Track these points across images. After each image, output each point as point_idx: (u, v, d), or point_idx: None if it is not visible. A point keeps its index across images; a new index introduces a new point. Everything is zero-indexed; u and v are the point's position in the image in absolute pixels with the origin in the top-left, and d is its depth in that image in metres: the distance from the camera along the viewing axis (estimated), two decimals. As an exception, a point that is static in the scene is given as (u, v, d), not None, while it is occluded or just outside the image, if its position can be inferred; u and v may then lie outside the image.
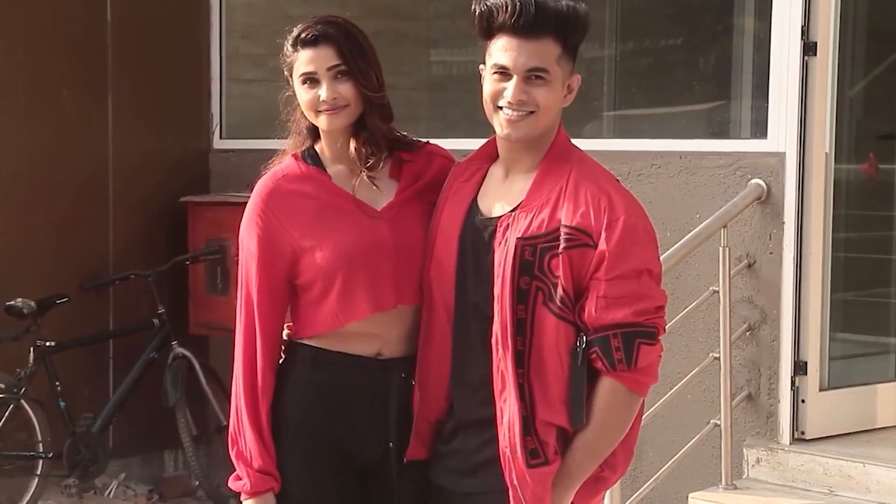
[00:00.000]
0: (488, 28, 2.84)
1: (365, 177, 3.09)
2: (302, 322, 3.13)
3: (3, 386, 6.14)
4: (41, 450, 6.26)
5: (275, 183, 3.12)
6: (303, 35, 3.07)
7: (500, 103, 2.84)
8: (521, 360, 2.81)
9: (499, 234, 2.87)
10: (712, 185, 5.14)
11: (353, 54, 3.08)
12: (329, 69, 3.05)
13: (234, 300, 3.20)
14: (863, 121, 5.61)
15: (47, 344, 6.26)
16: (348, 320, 3.05)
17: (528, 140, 2.90)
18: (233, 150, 7.17)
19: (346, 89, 3.05)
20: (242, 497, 3.08)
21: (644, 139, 5.62)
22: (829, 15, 5.01)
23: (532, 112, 2.83)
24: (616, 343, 2.74)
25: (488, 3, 2.82)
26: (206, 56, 7.31)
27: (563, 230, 2.79)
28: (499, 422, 2.83)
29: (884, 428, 5.23)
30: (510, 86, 2.82)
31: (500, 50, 2.83)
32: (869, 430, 5.18)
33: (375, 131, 3.11)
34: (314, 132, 3.17)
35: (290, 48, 3.10)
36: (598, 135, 6.15)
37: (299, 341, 3.13)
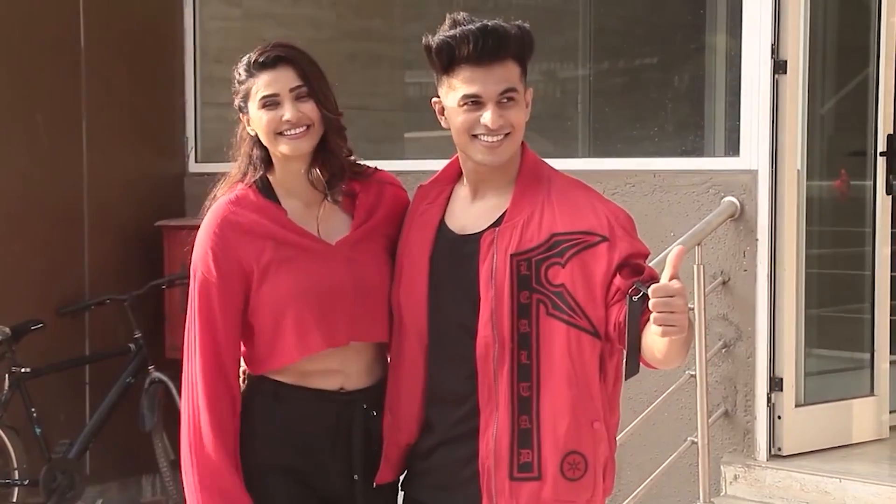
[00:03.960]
0: (448, 62, 2.85)
1: (329, 202, 3.08)
2: (259, 356, 3.09)
3: None
4: (17, 477, 6.27)
5: (229, 212, 3.05)
6: (260, 59, 3.04)
7: (476, 131, 2.86)
8: (528, 374, 2.82)
9: (482, 250, 2.87)
10: (686, 203, 5.17)
11: (313, 76, 3.07)
12: (291, 90, 3.03)
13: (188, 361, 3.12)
14: (834, 137, 5.63)
15: (22, 370, 6.26)
16: (301, 355, 3.03)
17: (504, 161, 2.93)
18: (208, 174, 7.03)
19: (310, 109, 3.03)
20: None
21: (618, 158, 5.64)
22: (799, 33, 5.04)
23: (508, 134, 2.87)
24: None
25: (446, 38, 2.82)
26: (180, 80, 7.33)
27: (563, 238, 2.82)
28: (481, 434, 2.84)
29: (860, 443, 5.27)
30: (487, 113, 2.84)
31: (467, 81, 2.84)
32: (845, 445, 5.22)
33: (338, 154, 3.10)
34: (267, 163, 3.12)
35: (243, 74, 3.07)
36: (572, 154, 6.16)
37: (259, 376, 3.10)
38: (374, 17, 7.20)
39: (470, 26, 2.83)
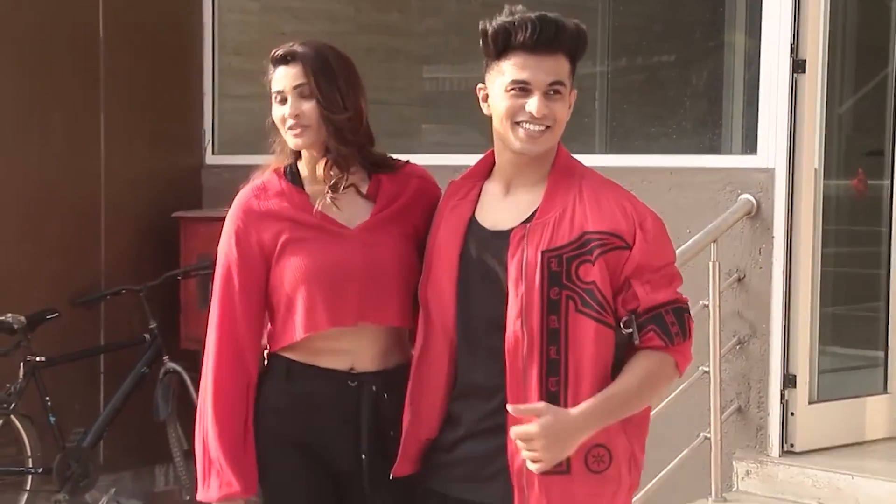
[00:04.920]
0: (503, 47, 2.89)
1: (328, 199, 3.15)
2: (274, 334, 3.20)
3: None
4: (31, 465, 6.30)
5: (254, 197, 3.19)
6: (278, 54, 3.16)
7: (519, 118, 2.89)
8: (556, 369, 2.86)
9: (512, 246, 2.91)
10: (703, 200, 5.19)
11: (318, 74, 3.13)
12: (294, 87, 3.13)
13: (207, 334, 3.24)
14: (852, 137, 5.66)
15: (38, 359, 6.28)
16: (307, 332, 3.11)
17: (541, 154, 2.97)
18: (225, 166, 7.17)
19: (309, 108, 3.12)
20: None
21: (635, 155, 5.68)
22: (819, 33, 5.06)
23: (549, 127, 2.90)
24: (670, 318, 2.86)
25: (503, 23, 2.88)
26: (197, 73, 7.36)
27: (593, 237, 2.86)
28: (511, 429, 2.84)
29: (873, 441, 5.28)
30: (533, 100, 2.87)
31: (518, 67, 2.88)
32: (858, 442, 5.22)
33: (336, 153, 3.16)
34: (297, 153, 3.24)
35: (270, 66, 3.18)
36: (589, 150, 6.19)
37: (275, 353, 3.20)
38: (392, 11, 7.20)
39: (529, 14, 2.87)
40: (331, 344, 3.15)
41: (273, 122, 3.21)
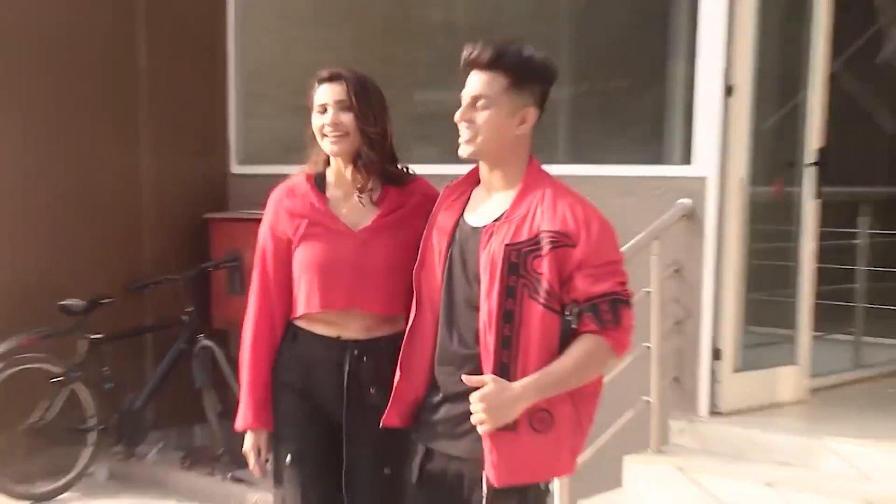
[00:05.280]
0: (463, 67, 2.99)
1: (356, 197, 3.30)
2: (294, 307, 3.38)
3: (61, 372, 6.21)
4: (93, 424, 6.36)
5: (285, 196, 3.37)
6: (323, 74, 3.29)
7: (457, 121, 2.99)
8: (508, 343, 2.86)
9: (483, 241, 2.94)
10: (647, 204, 5.19)
11: (359, 95, 3.26)
12: (337, 102, 3.25)
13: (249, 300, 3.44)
14: (773, 150, 5.59)
15: (95, 336, 6.36)
16: (306, 311, 3.30)
17: (479, 158, 3.02)
18: (247, 175, 7.22)
19: (348, 120, 3.24)
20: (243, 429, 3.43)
21: (591, 165, 5.61)
22: (746, 62, 5.07)
23: (476, 134, 2.95)
24: (605, 308, 2.85)
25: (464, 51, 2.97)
26: (224, 96, 7.37)
27: (545, 234, 2.86)
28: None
29: (783, 403, 5.39)
30: (459, 110, 2.98)
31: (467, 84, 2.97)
32: (771, 404, 5.33)
33: (367, 160, 3.27)
34: (327, 160, 3.35)
35: (315, 84, 3.29)
36: (555, 161, 6.14)
37: (290, 321, 3.40)
38: (391, 45, 7.15)
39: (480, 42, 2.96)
40: (325, 318, 3.32)
41: (312, 133, 3.31)
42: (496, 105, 2.93)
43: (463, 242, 3.03)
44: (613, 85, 6.57)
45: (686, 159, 5.27)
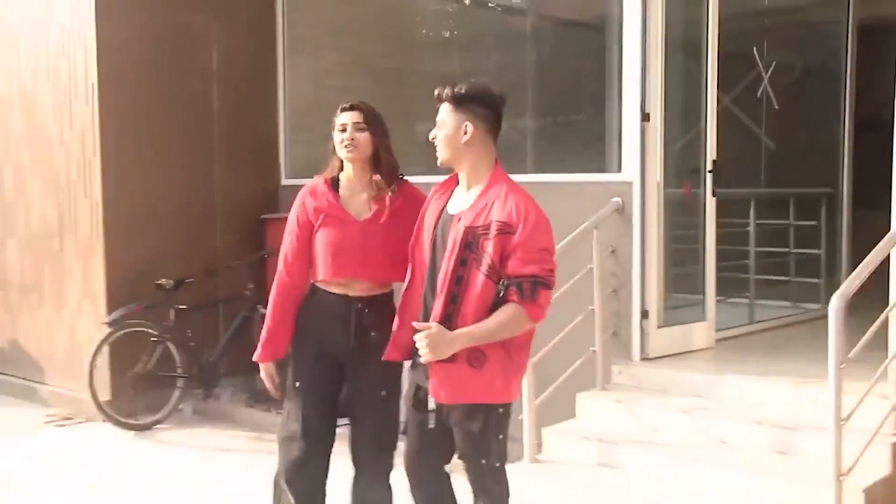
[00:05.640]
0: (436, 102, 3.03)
1: (371, 196, 3.36)
2: (312, 272, 3.42)
3: (157, 333, 6.24)
4: (180, 373, 6.38)
5: (309, 194, 3.41)
6: (345, 104, 3.36)
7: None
8: (454, 300, 2.88)
9: (453, 224, 2.96)
10: (591, 201, 5.17)
11: (372, 120, 3.34)
12: (354, 123, 3.32)
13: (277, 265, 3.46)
14: (681, 160, 5.58)
15: (182, 307, 6.35)
16: (322, 277, 3.35)
17: (447, 164, 3.02)
18: (294, 185, 6.87)
19: (363, 138, 3.32)
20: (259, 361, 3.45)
21: (550, 174, 5.60)
22: (657, 96, 5.10)
23: (440, 145, 2.99)
24: (526, 286, 2.83)
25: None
26: (276, 126, 7.32)
27: (494, 223, 2.86)
28: None
29: (696, 350, 5.39)
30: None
31: None
32: (687, 352, 5.34)
33: (386, 165, 3.36)
34: (340, 167, 3.41)
35: (339, 111, 3.36)
36: (523, 171, 6.13)
37: (313, 283, 3.43)
38: (401, 86, 7.17)
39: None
40: (337, 282, 3.36)
41: (332, 147, 3.37)
42: (446, 124, 2.99)
43: (443, 225, 3.04)
44: (567, 116, 6.58)
45: (618, 168, 5.26)
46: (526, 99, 6.46)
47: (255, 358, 3.45)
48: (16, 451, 5.82)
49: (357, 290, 3.37)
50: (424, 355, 2.87)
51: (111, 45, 6.38)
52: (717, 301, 5.58)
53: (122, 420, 6.20)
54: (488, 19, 7.40)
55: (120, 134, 6.45)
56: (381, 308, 3.37)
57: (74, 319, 6.73)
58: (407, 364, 3.27)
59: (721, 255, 5.66)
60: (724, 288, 5.78)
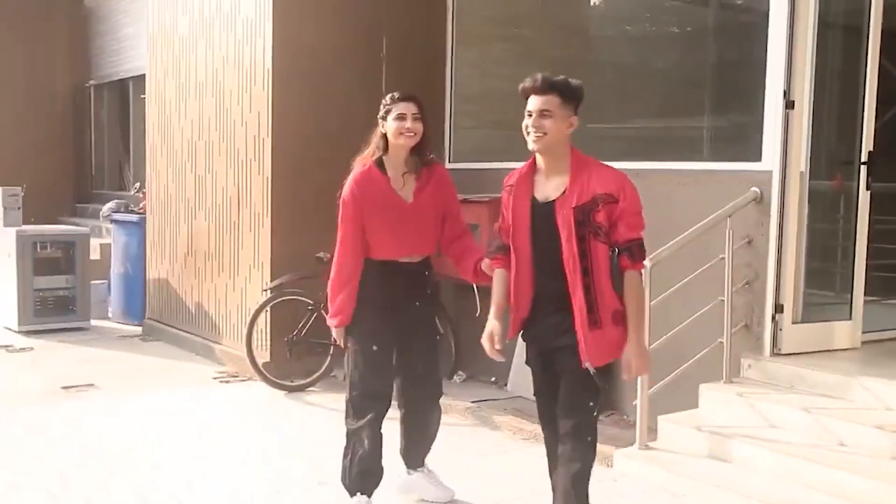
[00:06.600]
0: (524, 94, 3.23)
1: (412, 177, 3.72)
2: (370, 250, 3.75)
3: (312, 302, 6.50)
4: (331, 340, 6.62)
5: (360, 178, 3.75)
6: (401, 95, 3.69)
7: (527, 129, 3.21)
8: (587, 272, 3.15)
9: (557, 208, 3.18)
10: (726, 190, 5.06)
11: (424, 111, 3.72)
12: (413, 114, 3.66)
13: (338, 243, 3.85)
14: (834, 151, 5.31)
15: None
16: (385, 255, 3.71)
17: (544, 151, 3.20)
18: (458, 168, 7.16)
19: (419, 126, 3.68)
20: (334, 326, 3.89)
21: (695, 162, 5.46)
22: (805, 83, 4.92)
23: (545, 133, 3.17)
24: (635, 249, 3.18)
25: (525, 83, 3.21)
26: (443, 114, 7.43)
27: (599, 196, 3.13)
28: (575, 309, 3.15)
29: (837, 350, 5.16)
30: (530, 120, 3.21)
31: (529, 103, 3.22)
32: (826, 350, 5.11)
33: (426, 152, 3.77)
34: (385, 149, 3.73)
35: (389, 101, 3.68)
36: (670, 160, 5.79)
37: (369, 258, 3.75)
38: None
39: (536, 76, 3.21)
40: (395, 255, 3.74)
41: (385, 132, 3.70)
42: (555, 115, 3.17)
43: (537, 213, 3.24)
44: (714, 106, 6.34)
45: (756, 157, 5.10)
46: (684, 90, 6.32)
47: (335, 324, 3.85)
48: (179, 401, 6.37)
49: (407, 258, 3.86)
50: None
51: (285, 33, 6.81)
52: (870, 301, 5.38)
53: (276, 381, 6.61)
54: (664, 11, 7.18)
55: (289, 116, 6.85)
56: (428, 266, 3.92)
57: (245, 286, 7.26)
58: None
59: (875, 254, 5.45)
60: (877, 288, 5.59)
